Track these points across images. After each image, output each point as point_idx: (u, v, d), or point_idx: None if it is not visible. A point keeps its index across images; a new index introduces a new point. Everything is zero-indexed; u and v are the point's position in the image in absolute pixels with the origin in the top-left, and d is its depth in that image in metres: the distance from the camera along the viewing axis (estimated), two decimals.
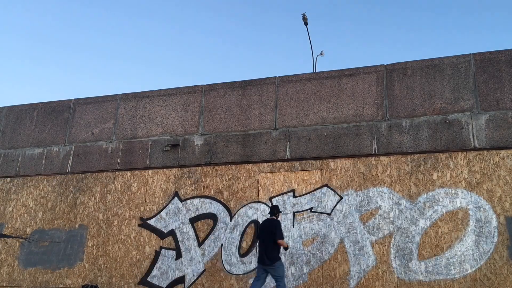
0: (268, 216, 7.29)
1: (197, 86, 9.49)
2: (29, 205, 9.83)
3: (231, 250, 8.18)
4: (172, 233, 8.65)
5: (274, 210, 7.14)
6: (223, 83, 9.33)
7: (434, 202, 7.33)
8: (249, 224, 8.23)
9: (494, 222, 6.96)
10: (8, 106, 10.98)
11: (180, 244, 8.54)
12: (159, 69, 52.15)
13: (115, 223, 9.05)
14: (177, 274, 8.38)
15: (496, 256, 6.83)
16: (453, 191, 7.30)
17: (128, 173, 9.32)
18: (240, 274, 7.99)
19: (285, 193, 8.18)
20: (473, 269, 6.88)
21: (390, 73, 8.24)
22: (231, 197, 8.48)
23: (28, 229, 9.64)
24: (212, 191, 8.64)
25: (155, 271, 8.52)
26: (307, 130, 8.40)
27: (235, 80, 9.26)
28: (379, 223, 7.50)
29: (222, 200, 8.52)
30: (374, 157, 7.87)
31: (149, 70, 51.58)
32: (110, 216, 9.13)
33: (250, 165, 8.54)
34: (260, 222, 8.11)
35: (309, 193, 8.04)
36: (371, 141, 7.96)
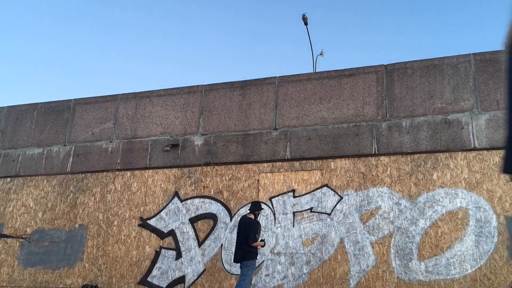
0: (248, 212, 7.17)
1: (197, 86, 9.49)
2: (29, 205, 9.83)
3: (231, 250, 8.17)
4: (172, 233, 8.65)
5: (253, 207, 7.01)
6: (223, 83, 9.33)
7: (434, 202, 7.33)
8: None
9: (494, 222, 6.96)
10: (8, 106, 10.97)
11: (180, 244, 8.53)
12: (159, 68, 52.15)
13: (115, 223, 9.05)
14: (177, 274, 8.38)
15: (496, 256, 6.83)
16: (453, 191, 7.30)
17: (128, 173, 9.32)
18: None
19: (285, 193, 8.18)
20: (473, 269, 6.88)
21: (390, 73, 8.24)
22: (231, 197, 8.48)
23: (28, 229, 9.63)
24: (212, 191, 8.64)
25: (155, 271, 8.52)
26: (307, 130, 8.40)
27: (235, 80, 9.27)
28: (379, 223, 7.50)
29: (222, 200, 8.52)
30: (374, 157, 7.87)
31: (149, 69, 51.58)
32: (110, 216, 9.13)
33: (250, 165, 8.54)
34: (260, 222, 8.12)
35: (309, 193, 8.04)
36: (371, 141, 7.96)
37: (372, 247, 7.43)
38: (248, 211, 7.17)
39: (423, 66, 8.09)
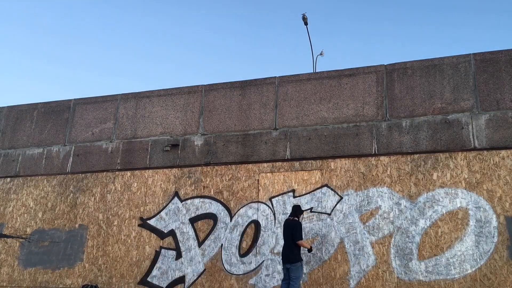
0: (290, 216, 7.32)
1: (197, 86, 9.49)
2: (29, 205, 9.83)
3: (231, 250, 8.18)
4: (172, 233, 8.65)
5: (296, 211, 7.25)
6: (223, 83, 9.33)
7: (434, 202, 7.33)
8: (249, 224, 8.23)
9: (494, 222, 6.96)
10: (8, 106, 10.98)
11: (180, 244, 8.54)
12: (159, 67, 52.17)
13: (115, 223, 9.05)
14: (177, 274, 8.38)
15: (496, 256, 6.83)
16: (453, 191, 7.30)
17: (128, 173, 9.32)
18: (240, 274, 7.99)
19: (285, 193, 8.18)
20: (473, 269, 6.88)
21: (390, 73, 8.24)
22: (231, 197, 8.48)
23: (28, 229, 9.64)
24: (212, 191, 8.64)
25: (155, 271, 8.52)
26: (307, 130, 8.40)
27: (235, 80, 9.27)
28: (379, 223, 7.50)
29: (222, 200, 8.52)
30: (374, 157, 7.87)
31: (149, 67, 51.59)
32: (110, 216, 9.13)
33: (250, 165, 8.54)
34: (260, 222, 8.13)
35: (309, 193, 8.04)
36: (371, 141, 7.96)
37: (372, 247, 7.43)
38: (290, 216, 7.29)
39: (423, 66, 8.09)
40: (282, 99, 8.76)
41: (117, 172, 9.40)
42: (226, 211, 8.42)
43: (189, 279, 8.27)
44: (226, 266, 8.11)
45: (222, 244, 8.28)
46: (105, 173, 9.48)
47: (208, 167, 8.81)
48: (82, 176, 9.63)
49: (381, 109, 8.08)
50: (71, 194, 9.57)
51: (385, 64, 8.34)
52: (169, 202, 8.84)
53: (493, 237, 6.91)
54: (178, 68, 52.64)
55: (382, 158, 7.82)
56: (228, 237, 8.28)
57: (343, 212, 7.74)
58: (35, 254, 9.39)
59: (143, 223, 8.88)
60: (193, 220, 8.60)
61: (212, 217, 8.50)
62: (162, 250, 8.59)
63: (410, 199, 7.46)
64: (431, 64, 8.05)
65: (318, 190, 7.99)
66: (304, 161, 8.23)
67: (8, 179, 10.23)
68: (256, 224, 8.18)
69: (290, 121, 8.55)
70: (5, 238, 9.71)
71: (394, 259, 7.27)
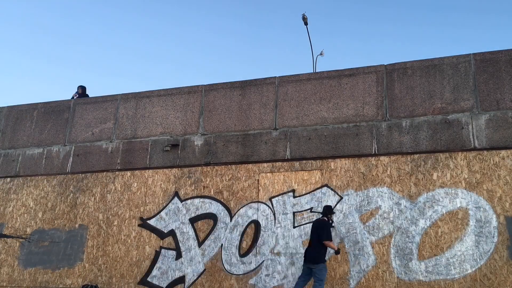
0: (320, 216, 7.36)
1: (197, 86, 9.49)
2: (29, 205, 9.83)
3: (231, 250, 8.18)
4: (172, 233, 8.65)
5: (326, 211, 7.23)
6: (223, 83, 9.33)
7: (434, 202, 7.33)
8: (249, 224, 8.23)
9: (494, 222, 6.96)
10: (8, 106, 10.98)
11: (180, 244, 8.54)
12: (159, 67, 52.17)
13: (115, 223, 9.06)
14: (177, 274, 8.38)
15: (496, 256, 6.83)
16: (453, 191, 7.30)
17: (128, 173, 9.32)
18: (240, 274, 8.00)
19: (285, 193, 8.19)
20: (473, 269, 6.88)
21: (390, 73, 8.24)
22: (231, 197, 8.48)
23: (28, 229, 9.64)
24: (212, 191, 8.64)
25: (155, 271, 8.52)
26: (307, 130, 8.40)
27: (235, 80, 9.27)
28: (379, 223, 7.50)
29: (222, 200, 8.52)
30: (374, 157, 7.87)
31: (149, 67, 51.59)
32: (110, 216, 9.13)
33: (250, 165, 8.54)
34: (260, 222, 8.14)
35: (309, 193, 8.04)
36: (371, 141, 7.96)
37: (372, 247, 7.43)
38: (321, 215, 7.31)
39: (423, 66, 8.09)
40: (282, 99, 8.76)
41: (117, 172, 9.40)
42: (226, 211, 8.43)
43: (189, 279, 8.27)
44: (226, 266, 8.11)
45: (222, 244, 8.28)
46: (105, 173, 9.49)
47: (208, 167, 8.81)
48: (82, 176, 9.63)
49: (381, 109, 8.09)
50: (71, 194, 9.58)
51: (385, 64, 8.35)
52: (169, 202, 8.84)
53: (493, 237, 6.91)
54: (178, 68, 52.63)
55: (382, 158, 7.82)
56: (228, 237, 8.28)
57: (343, 212, 7.74)
58: (35, 254, 9.39)
59: (143, 223, 8.88)
60: (193, 220, 8.60)
61: (212, 217, 8.50)
62: (162, 250, 8.59)
63: (410, 199, 7.46)
64: (431, 64, 8.05)
65: (318, 190, 8.00)
66: (304, 161, 8.23)
67: (8, 179, 10.23)
68: (256, 224, 8.18)
69: (290, 121, 8.55)
70: (5, 238, 9.72)
71: (394, 259, 7.27)
